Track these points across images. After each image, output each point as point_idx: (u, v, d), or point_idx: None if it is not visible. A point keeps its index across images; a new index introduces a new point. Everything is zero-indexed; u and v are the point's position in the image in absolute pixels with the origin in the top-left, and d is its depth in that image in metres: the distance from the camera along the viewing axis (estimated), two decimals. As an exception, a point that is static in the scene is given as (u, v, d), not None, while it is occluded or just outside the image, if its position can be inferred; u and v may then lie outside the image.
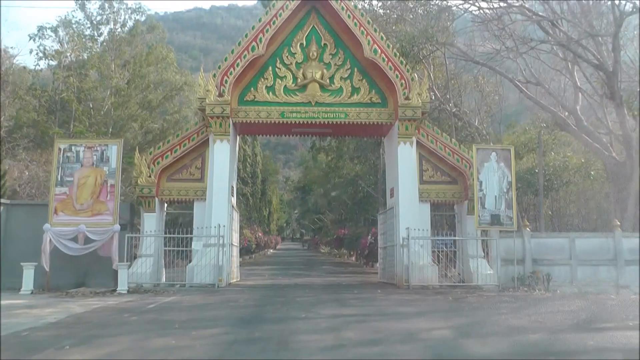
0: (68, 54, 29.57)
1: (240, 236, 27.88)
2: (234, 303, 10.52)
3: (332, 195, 34.45)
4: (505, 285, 14.28)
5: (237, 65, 15.70)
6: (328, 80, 16.46)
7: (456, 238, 16.30)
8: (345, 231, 38.44)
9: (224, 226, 14.69)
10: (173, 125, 30.98)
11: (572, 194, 28.51)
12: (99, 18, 30.98)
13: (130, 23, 31.62)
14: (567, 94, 23.01)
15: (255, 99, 16.35)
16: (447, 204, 17.44)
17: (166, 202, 16.66)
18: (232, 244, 15.93)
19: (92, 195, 14.14)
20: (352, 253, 38.82)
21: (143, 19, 32.82)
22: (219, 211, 15.19)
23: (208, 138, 15.98)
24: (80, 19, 31.08)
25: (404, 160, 16.06)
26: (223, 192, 15.45)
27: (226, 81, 15.66)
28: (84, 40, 30.42)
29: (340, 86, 16.52)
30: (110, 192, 14.19)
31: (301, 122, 16.26)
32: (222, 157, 15.63)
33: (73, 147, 14.55)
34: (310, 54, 16.39)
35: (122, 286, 13.21)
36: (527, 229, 15.38)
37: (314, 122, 16.28)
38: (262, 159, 53.53)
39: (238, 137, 17.86)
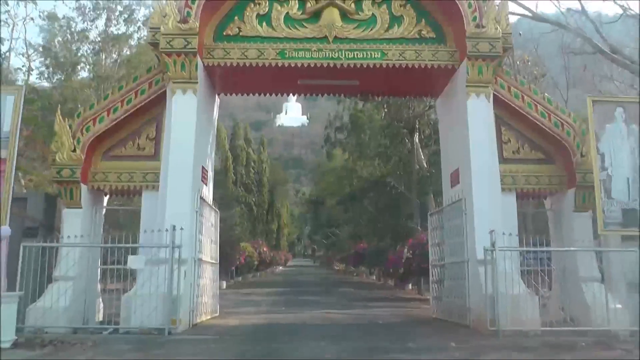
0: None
1: (232, 249, 21.66)
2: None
3: (350, 202, 28.12)
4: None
5: (212, -26, 9.74)
6: (353, 6, 10.37)
7: (580, 249, 9.84)
8: (364, 245, 32.01)
9: (182, 229, 8.49)
10: None
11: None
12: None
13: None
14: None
15: (241, 33, 10.26)
16: (537, 195, 11.09)
17: (104, 193, 10.56)
18: (201, 259, 9.70)
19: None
20: (372, 271, 32.31)
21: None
22: (176, 205, 9.04)
23: (166, 92, 9.91)
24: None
25: (477, 123, 9.82)
26: (184, 174, 9.30)
27: (193, 1, 9.66)
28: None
29: (373, 14, 10.40)
30: (-1, 173, 8.33)
31: (312, 67, 10.13)
32: (185, 117, 9.54)
33: None
34: (326, -35, 10.35)
35: (6, 335, 7.05)
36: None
37: (331, 66, 10.15)
38: (269, 166, 47.52)
39: (217, 96, 11.70)
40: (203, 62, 9.94)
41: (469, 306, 9.33)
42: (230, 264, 21.81)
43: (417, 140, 21.15)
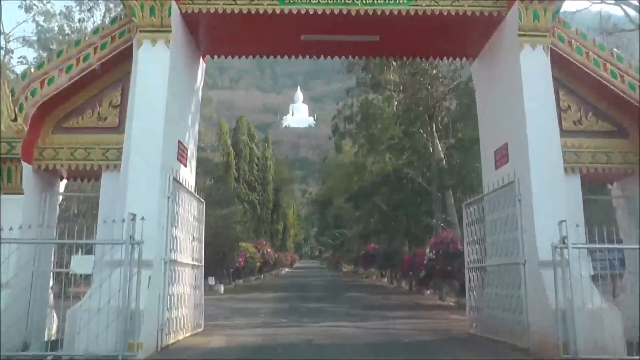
0: None
1: (231, 249, 19.45)
2: None
3: (360, 199, 25.73)
4: None
5: None
6: (371, -61, 8.09)
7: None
8: (375, 246, 29.63)
9: (143, 219, 6.20)
10: None
11: None
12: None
13: None
14: None
15: (230, -27, 8.03)
16: (605, 177, 8.72)
17: (60, 176, 8.35)
18: (175, 261, 7.41)
19: None
20: (384, 273, 29.94)
21: None
22: (139, 188, 6.80)
23: (132, 47, 7.66)
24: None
25: (533, 82, 7.53)
26: (151, 147, 7.04)
27: None
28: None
29: (396, -50, 8.14)
30: None
31: (319, 16, 7.85)
32: (153, 73, 7.30)
33: None
34: None
35: None
36: None
37: (344, 15, 7.86)
38: (274, 164, 45.25)
39: (202, 59, 9.42)
40: (180, 8, 7.70)
41: (527, 323, 6.98)
42: (227, 266, 19.62)
43: (435, 129, 18.85)
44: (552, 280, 6.45)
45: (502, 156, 8.22)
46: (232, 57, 9.35)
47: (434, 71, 18.42)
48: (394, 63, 21.23)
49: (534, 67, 7.54)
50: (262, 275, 31.21)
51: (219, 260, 19.04)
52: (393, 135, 23.62)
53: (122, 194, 6.90)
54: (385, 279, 29.39)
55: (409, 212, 22.37)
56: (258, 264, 25.13)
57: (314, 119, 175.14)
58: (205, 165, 25.30)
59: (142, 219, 6.14)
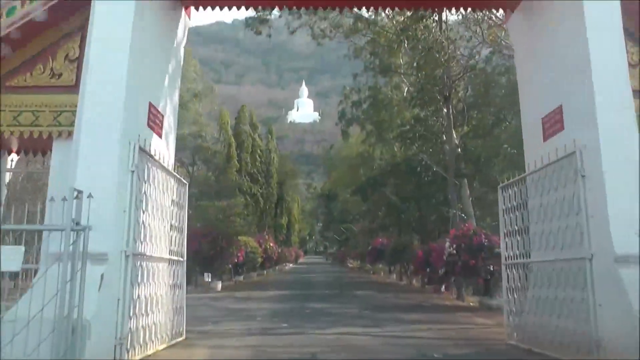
0: None
1: (229, 243, 17.88)
2: None
3: (369, 190, 23.99)
4: None
5: None
6: None
7: None
8: (383, 240, 28.00)
9: (90, 197, 4.58)
10: None
11: None
12: None
13: None
14: None
15: None
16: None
17: (7, 150, 6.77)
18: (143, 254, 5.79)
19: None
20: (392, 269, 28.28)
21: None
22: (92, 158, 5.21)
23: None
24: None
25: (599, 32, 5.87)
26: (109, 109, 5.42)
27: None
28: None
29: None
30: None
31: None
32: (114, 18, 5.68)
33: None
34: None
35: None
36: None
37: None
38: (277, 157, 43.63)
39: (184, 11, 7.75)
40: None
41: (597, 335, 5.34)
42: (226, 261, 18.06)
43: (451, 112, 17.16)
44: (637, 280, 4.82)
45: (553, 123, 6.55)
46: (220, 9, 7.63)
47: (450, 47, 16.75)
48: (406, 45, 19.60)
49: (601, 14, 5.87)
50: (265, 272, 29.67)
51: (215, 255, 17.48)
52: (404, 122, 21.98)
53: (72, 167, 5.31)
54: (394, 275, 27.75)
55: (421, 203, 20.68)
56: (260, 259, 23.55)
57: (319, 114, 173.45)
58: (205, 155, 23.85)
59: (90, 196, 4.53)
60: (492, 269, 12.40)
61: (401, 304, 13.52)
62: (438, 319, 10.17)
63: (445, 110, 17.40)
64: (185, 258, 7.45)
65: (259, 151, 35.28)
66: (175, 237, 7.03)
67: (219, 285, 18.02)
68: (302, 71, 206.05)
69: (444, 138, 18.37)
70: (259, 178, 34.58)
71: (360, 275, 31.81)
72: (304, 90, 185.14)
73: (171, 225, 6.86)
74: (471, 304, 13.77)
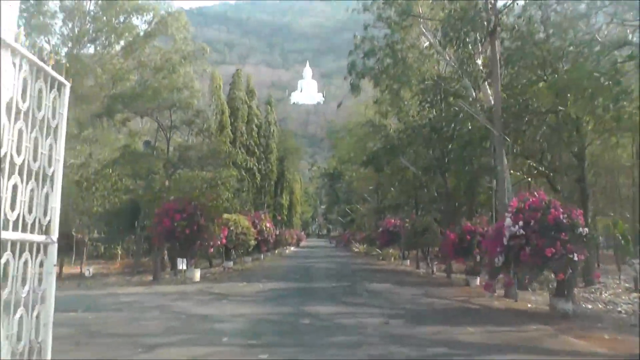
0: None
1: (211, 221, 13.86)
2: None
3: (381, 160, 19.71)
4: None
5: None
6: None
7: None
8: (396, 221, 23.96)
9: None
10: None
11: None
12: None
13: None
14: None
15: None
16: None
17: None
18: None
19: None
20: (406, 254, 24.26)
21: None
22: None
23: None
24: None
25: None
26: None
27: None
28: None
29: None
30: None
31: None
32: None
33: None
34: None
35: None
36: None
37: None
38: (278, 131, 39.38)
39: None
40: None
41: None
42: (203, 244, 14.06)
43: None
44: None
45: None
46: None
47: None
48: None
49: None
50: (262, 256, 25.71)
51: (192, 235, 13.49)
52: (425, 78, 17.75)
53: None
54: (408, 261, 23.76)
55: (449, 173, 16.49)
56: (252, 241, 19.52)
57: (323, 96, 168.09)
58: (194, 120, 19.90)
59: None
60: (574, 258, 8.35)
61: (439, 307, 9.49)
62: (521, 343, 6.10)
63: (489, 48, 13.14)
64: (55, 234, 3.32)
65: (256, 120, 31.04)
66: (35, 193, 2.88)
67: (197, 275, 14.04)
68: (306, 52, 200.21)
69: (487, 84, 14.11)
70: (256, 151, 30.42)
71: (368, 261, 27.78)
72: (308, 71, 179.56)
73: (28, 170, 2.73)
74: (529, 305, 9.81)
